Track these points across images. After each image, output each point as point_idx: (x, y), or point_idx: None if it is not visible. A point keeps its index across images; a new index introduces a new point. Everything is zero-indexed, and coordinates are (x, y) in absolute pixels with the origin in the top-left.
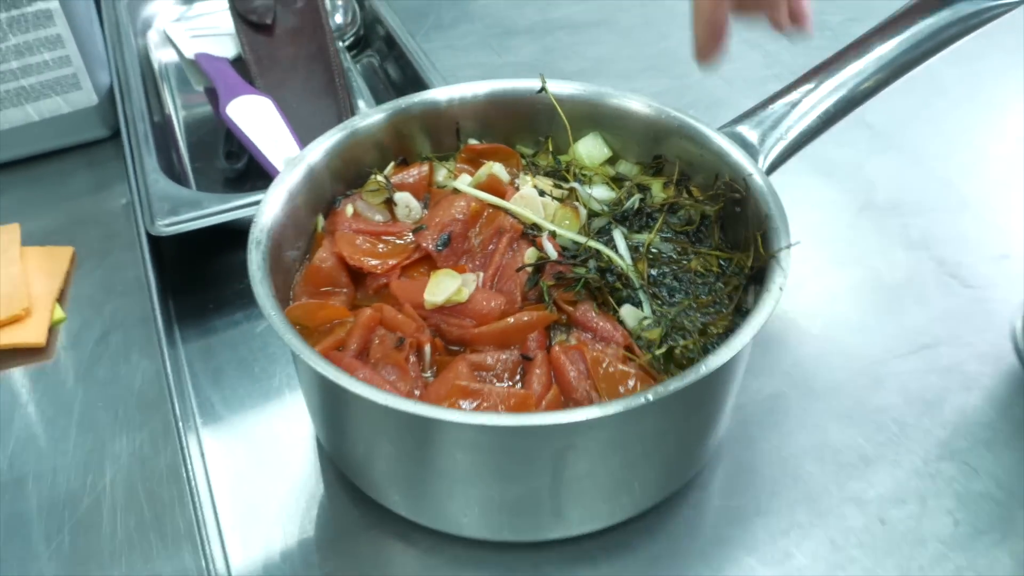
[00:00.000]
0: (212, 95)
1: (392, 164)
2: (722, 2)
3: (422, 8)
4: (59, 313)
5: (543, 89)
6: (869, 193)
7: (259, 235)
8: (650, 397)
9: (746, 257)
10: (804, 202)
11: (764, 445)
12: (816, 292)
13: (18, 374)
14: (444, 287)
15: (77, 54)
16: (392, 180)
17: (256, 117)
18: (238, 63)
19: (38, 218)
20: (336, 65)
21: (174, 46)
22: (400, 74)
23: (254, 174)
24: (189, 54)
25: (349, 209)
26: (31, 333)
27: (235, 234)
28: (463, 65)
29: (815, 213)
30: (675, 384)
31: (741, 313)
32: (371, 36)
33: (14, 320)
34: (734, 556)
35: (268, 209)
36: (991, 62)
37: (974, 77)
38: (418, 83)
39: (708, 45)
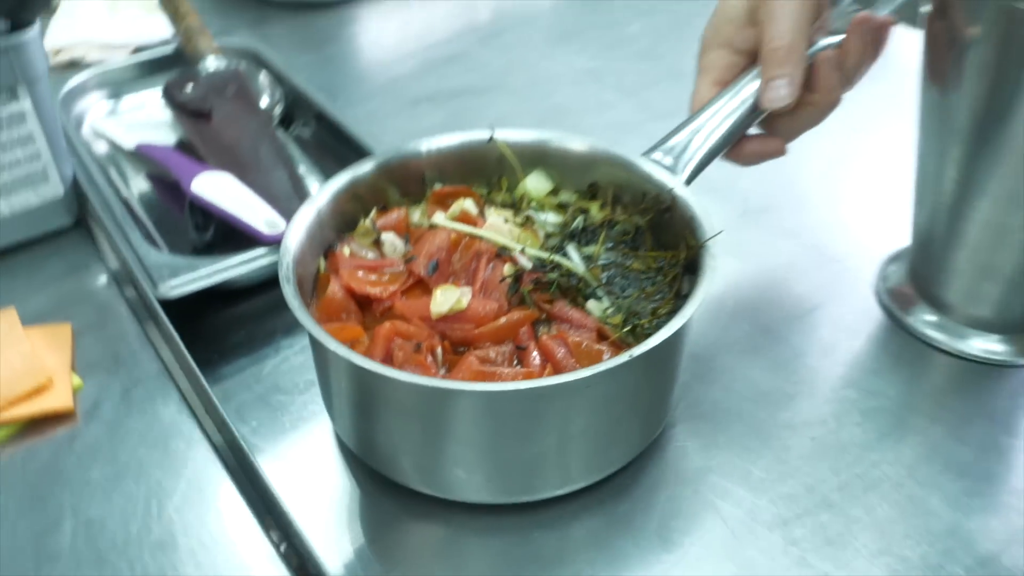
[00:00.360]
0: (157, 181)
1: (374, 210)
2: (734, 68)
3: (332, 87)
4: (76, 380)
5: (492, 139)
6: (746, 201)
7: (287, 272)
8: (633, 354)
9: (679, 253)
10: None
11: (710, 397)
12: (722, 279)
13: (54, 440)
14: (447, 299)
15: (47, 149)
16: (377, 224)
17: (222, 190)
18: (180, 149)
19: (24, 303)
20: (278, 140)
21: (110, 140)
22: (336, 142)
23: (221, 242)
24: (129, 145)
25: (346, 250)
26: (58, 399)
27: (225, 293)
28: (387, 131)
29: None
30: (647, 346)
31: (681, 297)
32: (296, 113)
33: (38, 391)
34: (706, 477)
35: (292, 247)
36: None
37: None
38: (357, 148)
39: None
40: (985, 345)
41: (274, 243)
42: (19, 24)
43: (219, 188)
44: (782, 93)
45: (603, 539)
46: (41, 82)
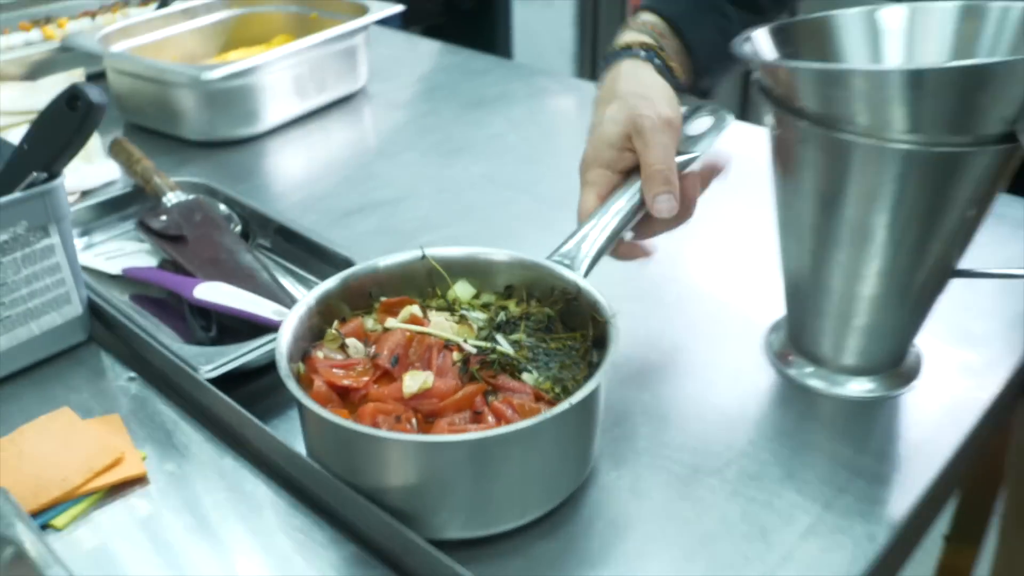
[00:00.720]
0: (142, 299)
1: (336, 322)
2: (612, 183)
3: (270, 208)
4: (140, 452)
5: (424, 256)
6: (641, 282)
7: (286, 370)
8: (572, 402)
9: (587, 332)
10: None
11: (627, 442)
12: (624, 348)
13: (131, 503)
14: (416, 381)
15: (70, 275)
16: (341, 332)
17: (222, 294)
18: (164, 268)
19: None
20: (251, 251)
21: (92, 270)
22: (299, 249)
23: (221, 338)
24: (115, 271)
25: (320, 353)
26: (132, 468)
27: (237, 376)
28: (333, 239)
29: None
30: (579, 396)
31: (593, 365)
32: (253, 230)
33: (113, 465)
34: (628, 505)
35: (284, 350)
36: None
37: None
38: (319, 251)
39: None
40: (857, 386)
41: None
42: (52, 174)
43: (219, 293)
44: (669, 205)
45: (556, 559)
46: (66, 220)
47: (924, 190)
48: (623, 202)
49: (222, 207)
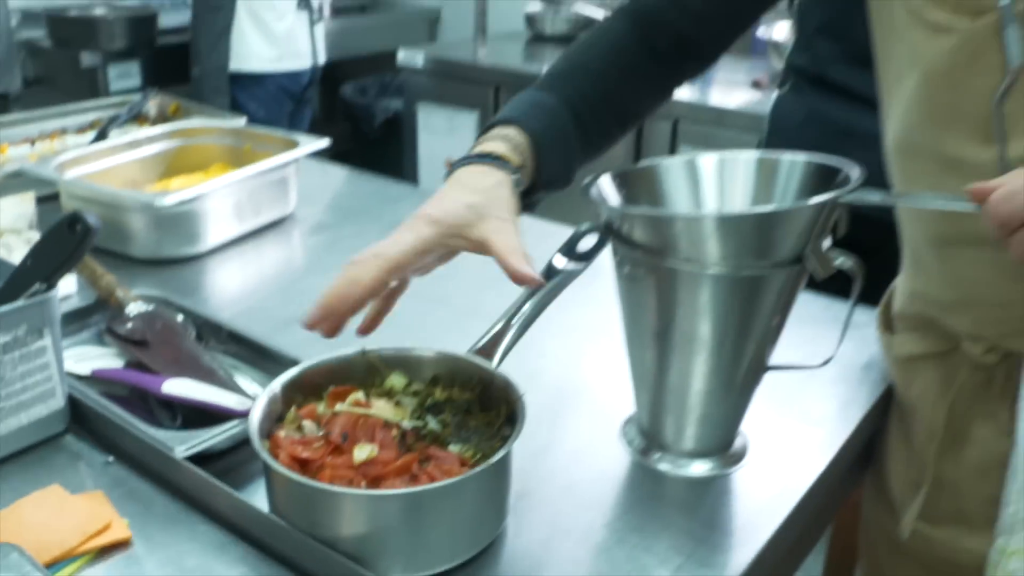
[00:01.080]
0: (110, 397)
1: (293, 407)
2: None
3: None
4: (124, 520)
5: (364, 353)
6: (535, 375)
7: (259, 442)
8: (491, 461)
9: (500, 411)
10: None
11: (529, 500)
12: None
13: (119, 562)
14: (364, 452)
15: (56, 371)
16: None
17: (188, 389)
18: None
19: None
20: (207, 354)
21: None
22: (257, 355)
23: (188, 427)
24: (86, 372)
25: (282, 433)
26: (118, 532)
27: (204, 457)
28: (278, 344)
29: None
30: (496, 457)
31: (505, 438)
32: (207, 336)
33: (101, 531)
34: (536, 550)
35: (255, 426)
36: None
37: None
38: (273, 357)
39: (321, 322)
40: (697, 467)
41: (244, 415)
42: (50, 286)
43: (185, 388)
44: (535, 277)
45: None
46: (57, 324)
47: (736, 304)
48: (528, 306)
49: (179, 316)
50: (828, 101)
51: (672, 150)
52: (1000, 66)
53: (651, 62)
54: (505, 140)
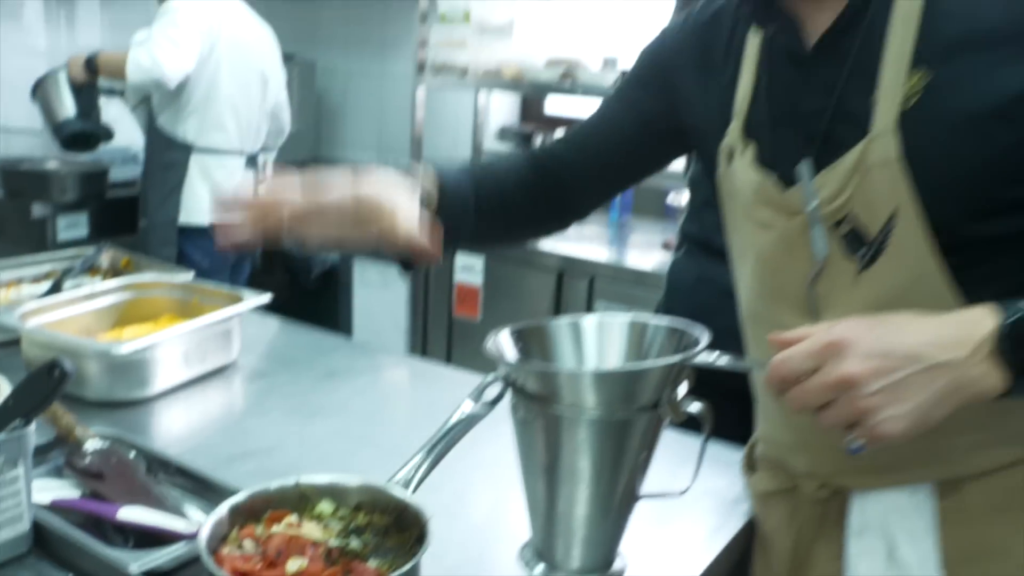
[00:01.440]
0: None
1: (236, 528)
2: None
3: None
4: None
5: (298, 484)
6: (442, 499)
7: (207, 556)
8: (403, 570)
9: (412, 532)
10: None
11: None
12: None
13: None
14: (295, 564)
15: (25, 498)
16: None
17: (141, 515)
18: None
19: None
20: (156, 486)
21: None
22: (202, 487)
23: (139, 548)
24: (45, 502)
25: (225, 550)
26: None
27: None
28: (223, 476)
29: None
30: (406, 567)
31: (416, 554)
32: (156, 470)
33: None
34: None
35: (204, 542)
36: None
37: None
38: (216, 489)
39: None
40: None
41: (192, 537)
42: (27, 422)
43: (139, 514)
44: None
45: None
46: (29, 456)
47: (610, 442)
48: (441, 444)
49: (132, 452)
50: (716, 265)
51: (589, 306)
52: (810, 257)
53: (540, 195)
54: (424, 171)
